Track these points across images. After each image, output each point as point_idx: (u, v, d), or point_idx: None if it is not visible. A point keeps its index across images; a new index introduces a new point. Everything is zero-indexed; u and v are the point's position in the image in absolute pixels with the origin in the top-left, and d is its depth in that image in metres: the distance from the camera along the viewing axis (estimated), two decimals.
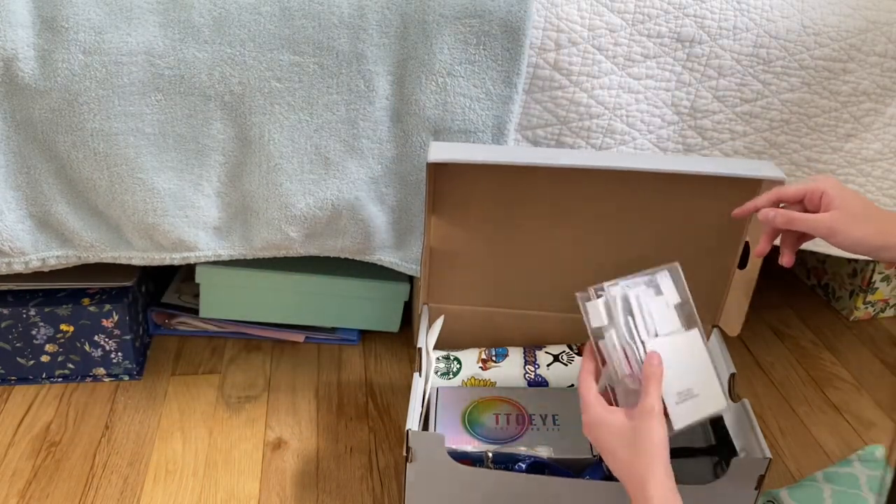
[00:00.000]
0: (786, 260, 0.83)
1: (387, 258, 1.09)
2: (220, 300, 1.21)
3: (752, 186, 0.94)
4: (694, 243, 1.05)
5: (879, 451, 1.06)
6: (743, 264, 1.03)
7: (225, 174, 1.00)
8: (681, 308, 0.83)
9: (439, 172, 0.99)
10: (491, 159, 0.93)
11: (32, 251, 1.00)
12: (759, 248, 0.85)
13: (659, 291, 0.82)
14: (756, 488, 0.84)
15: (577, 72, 0.99)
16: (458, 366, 1.05)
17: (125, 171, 0.95)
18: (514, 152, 0.99)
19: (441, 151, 0.94)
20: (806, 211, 0.81)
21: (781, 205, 0.82)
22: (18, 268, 1.00)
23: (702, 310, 1.08)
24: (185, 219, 1.00)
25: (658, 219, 1.04)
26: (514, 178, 1.00)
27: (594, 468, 0.90)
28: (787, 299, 1.51)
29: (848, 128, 1.08)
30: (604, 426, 0.73)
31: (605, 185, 1.02)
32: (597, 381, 0.78)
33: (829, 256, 1.48)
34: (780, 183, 0.94)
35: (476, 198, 1.02)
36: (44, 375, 1.17)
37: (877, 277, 1.39)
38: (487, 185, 1.00)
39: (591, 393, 0.76)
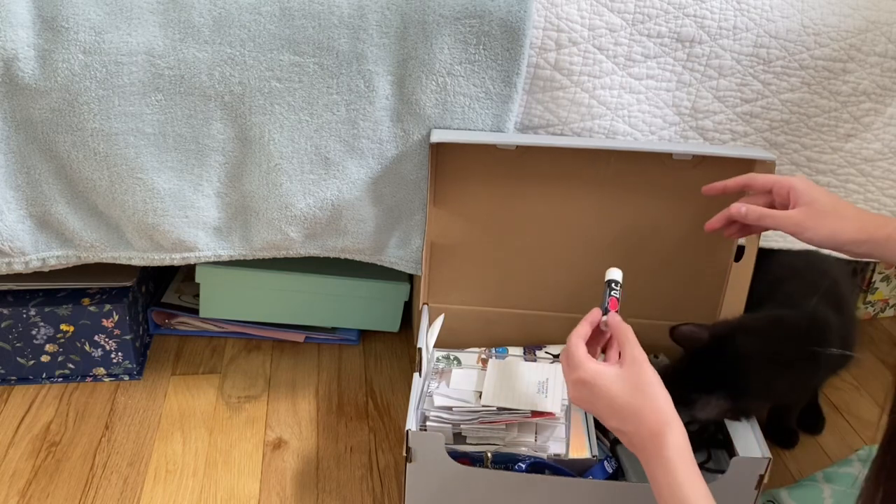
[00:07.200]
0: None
1: (387, 258, 1.09)
2: (220, 300, 1.21)
3: (746, 170, 0.95)
4: (693, 241, 1.05)
5: None
6: (738, 257, 1.04)
7: (225, 174, 1.00)
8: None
9: (440, 165, 0.99)
10: (492, 140, 0.96)
11: (32, 251, 1.00)
12: (710, 224, 0.87)
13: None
14: (756, 488, 0.84)
15: (577, 72, 0.99)
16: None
17: (125, 171, 0.95)
18: (515, 136, 1.01)
19: (443, 134, 0.96)
20: (773, 203, 0.82)
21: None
22: (18, 268, 1.00)
23: (701, 309, 1.09)
24: (185, 219, 1.00)
25: (657, 218, 1.04)
26: (514, 168, 1.01)
27: (595, 468, 0.90)
28: None
29: (848, 128, 1.08)
30: (601, 378, 0.72)
31: (604, 180, 1.02)
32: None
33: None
34: (771, 163, 0.95)
35: (476, 192, 1.02)
36: (44, 375, 1.17)
37: (877, 278, 1.39)
38: (488, 176, 1.01)
39: (580, 351, 0.75)
